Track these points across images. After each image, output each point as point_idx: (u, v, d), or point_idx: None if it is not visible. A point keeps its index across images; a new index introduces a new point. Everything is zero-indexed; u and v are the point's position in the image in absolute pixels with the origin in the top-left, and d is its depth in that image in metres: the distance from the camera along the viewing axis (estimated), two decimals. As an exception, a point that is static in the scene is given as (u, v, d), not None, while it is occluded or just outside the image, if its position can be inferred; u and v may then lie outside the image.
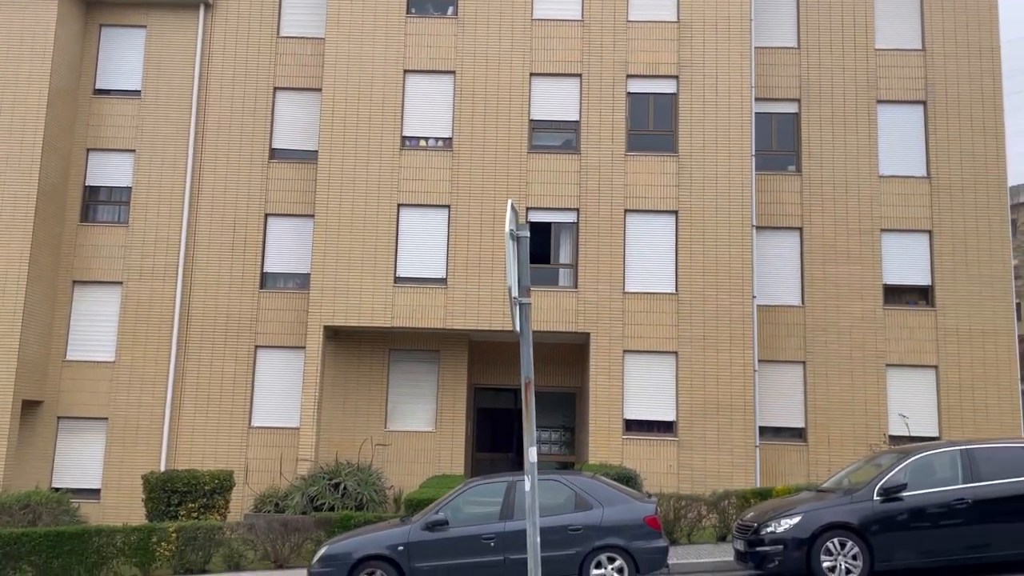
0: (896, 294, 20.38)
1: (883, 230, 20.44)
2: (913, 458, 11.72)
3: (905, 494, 11.34)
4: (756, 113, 20.60)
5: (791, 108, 21.05)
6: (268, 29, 21.50)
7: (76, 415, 20.28)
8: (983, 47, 20.95)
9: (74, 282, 20.78)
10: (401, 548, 11.57)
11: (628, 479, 15.89)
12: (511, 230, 7.88)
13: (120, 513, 19.22)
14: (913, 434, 19.14)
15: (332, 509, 16.52)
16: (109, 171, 21.22)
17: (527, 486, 7.69)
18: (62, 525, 15.58)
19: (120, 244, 20.85)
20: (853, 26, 21.09)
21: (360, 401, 20.09)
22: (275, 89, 21.37)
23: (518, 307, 7.90)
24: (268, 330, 20.55)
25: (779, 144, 21.03)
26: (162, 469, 19.71)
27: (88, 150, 21.26)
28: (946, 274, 20.24)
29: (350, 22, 20.31)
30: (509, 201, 8.09)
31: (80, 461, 20.15)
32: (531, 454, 7.76)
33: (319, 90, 20.91)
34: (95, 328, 20.64)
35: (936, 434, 19.59)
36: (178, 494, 16.72)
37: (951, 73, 20.90)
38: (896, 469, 11.57)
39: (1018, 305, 43.49)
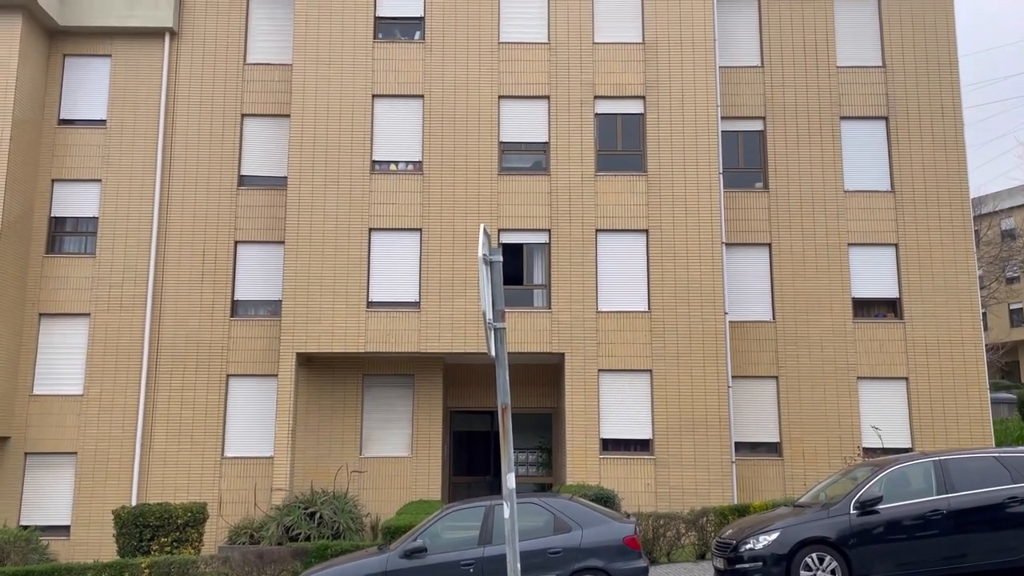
0: (865, 307, 20.62)
1: (850, 244, 20.70)
2: (888, 471, 11.83)
3: (881, 507, 11.43)
4: (723, 131, 20.84)
5: (757, 126, 21.32)
6: (235, 56, 21.43)
7: (44, 450, 19.89)
8: (941, 63, 21.37)
9: (40, 315, 20.46)
10: (380, 577, 11.42)
11: (606, 499, 15.87)
12: (484, 255, 7.87)
13: (91, 550, 18.84)
14: (886, 446, 19.31)
15: (308, 539, 16.31)
16: (75, 201, 20.98)
17: (506, 513, 7.65)
18: (31, 564, 15.24)
19: (87, 275, 20.57)
20: (815, 45, 21.44)
21: (335, 428, 19.91)
22: (243, 116, 21.28)
23: (493, 332, 7.88)
24: (240, 358, 20.33)
25: (746, 161, 21.27)
26: (133, 503, 19.37)
27: (53, 180, 21.01)
28: (913, 286, 20.52)
29: (317, 48, 20.31)
30: (481, 226, 8.09)
31: (49, 497, 19.74)
32: (509, 480, 7.72)
33: (287, 116, 20.86)
34: (63, 361, 20.31)
35: (909, 445, 19.78)
36: (150, 528, 16.40)
37: (911, 89, 21.29)
38: (871, 482, 11.67)
39: (984, 315, 44.21)
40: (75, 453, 19.89)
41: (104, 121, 21.25)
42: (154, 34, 21.37)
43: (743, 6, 21.76)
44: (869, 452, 19.37)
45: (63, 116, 21.32)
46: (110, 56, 21.43)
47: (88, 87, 21.45)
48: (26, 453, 19.91)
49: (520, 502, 11.34)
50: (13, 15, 20.18)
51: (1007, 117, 77.71)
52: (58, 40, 21.45)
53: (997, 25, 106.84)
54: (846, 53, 21.51)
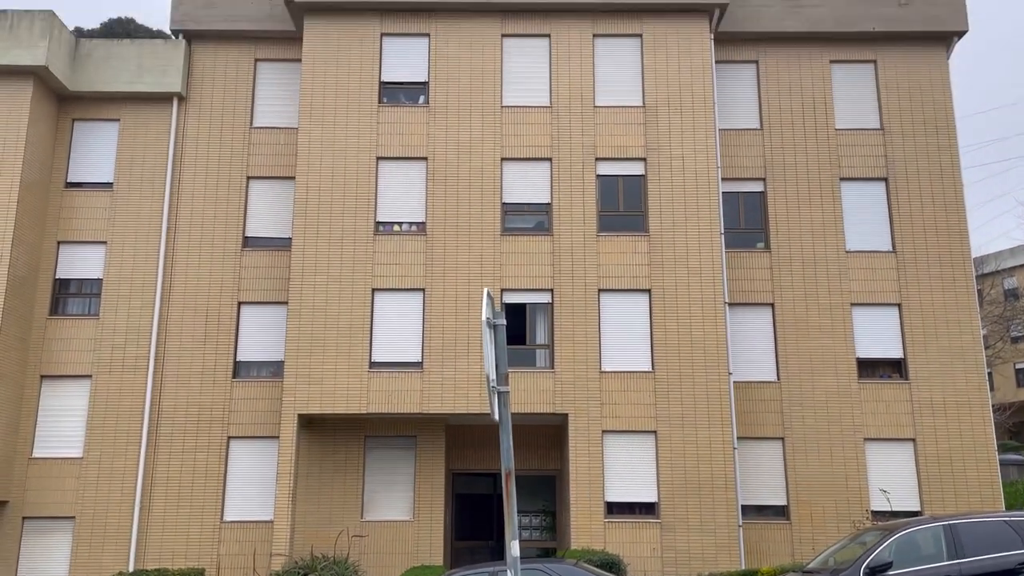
0: (869, 367, 20.51)
1: (853, 304, 20.69)
2: (897, 535, 11.65)
3: (891, 572, 11.22)
4: (723, 192, 21.01)
5: (757, 187, 21.48)
6: (241, 120, 21.73)
7: (42, 515, 19.64)
8: (939, 125, 21.62)
9: (42, 377, 20.38)
10: (380, 647, 11.19)
11: (612, 565, 15.62)
12: (488, 318, 7.87)
13: (86, 617, 18.50)
14: (895, 509, 19.03)
15: (308, 606, 15.99)
16: (80, 263, 21.06)
17: (510, 581, 7.51)
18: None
19: (90, 337, 20.56)
20: (813, 108, 21.73)
21: (335, 491, 19.67)
22: (248, 178, 21.48)
23: (497, 395, 7.84)
24: (241, 420, 20.19)
25: (747, 222, 21.39)
26: (131, 569, 19.05)
27: (59, 243, 21.13)
28: (917, 346, 20.44)
29: (323, 112, 20.61)
30: (485, 290, 8.11)
31: (46, 563, 19.41)
32: (513, 548, 7.60)
33: (292, 178, 21.08)
34: (63, 423, 20.17)
35: (918, 508, 19.49)
36: (147, 595, 16.14)
37: (910, 151, 21.50)
38: (881, 547, 11.48)
39: (990, 375, 43.97)
40: (73, 517, 19.63)
41: (111, 184, 21.45)
42: (162, 99, 21.71)
43: (742, 70, 22.13)
44: (878, 515, 19.07)
45: (70, 179, 21.52)
46: (118, 120, 21.74)
47: (96, 151, 21.70)
48: (24, 517, 19.65)
49: (524, 568, 11.15)
50: (24, 80, 20.56)
51: (1007, 177, 78.37)
52: (67, 104, 21.79)
53: (995, 85, 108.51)
54: (844, 116, 21.78)
